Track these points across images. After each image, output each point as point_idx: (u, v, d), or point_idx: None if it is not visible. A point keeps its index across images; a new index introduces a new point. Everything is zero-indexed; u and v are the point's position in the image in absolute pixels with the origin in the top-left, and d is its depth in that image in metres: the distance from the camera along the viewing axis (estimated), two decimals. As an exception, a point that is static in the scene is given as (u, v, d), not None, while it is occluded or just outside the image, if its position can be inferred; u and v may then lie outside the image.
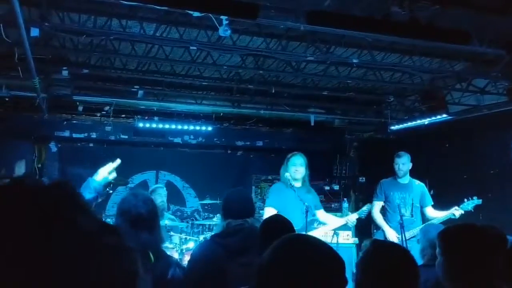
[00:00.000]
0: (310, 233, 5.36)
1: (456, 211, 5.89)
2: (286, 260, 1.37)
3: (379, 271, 2.32)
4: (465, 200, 5.93)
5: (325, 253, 1.39)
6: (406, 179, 6.32)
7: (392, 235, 6.13)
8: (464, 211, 5.90)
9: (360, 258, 2.37)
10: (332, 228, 5.71)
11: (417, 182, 6.38)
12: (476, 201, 5.92)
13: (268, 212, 5.30)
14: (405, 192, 6.26)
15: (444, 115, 7.58)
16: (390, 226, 6.22)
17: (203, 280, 3.06)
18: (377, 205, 6.35)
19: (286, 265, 1.36)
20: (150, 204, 2.79)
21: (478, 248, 2.44)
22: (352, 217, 5.71)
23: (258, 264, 1.42)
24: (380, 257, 2.38)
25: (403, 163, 6.23)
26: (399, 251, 2.48)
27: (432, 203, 6.29)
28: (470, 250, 2.43)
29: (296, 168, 5.42)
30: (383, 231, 6.30)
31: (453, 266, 2.46)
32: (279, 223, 3.21)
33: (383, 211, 6.40)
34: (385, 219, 6.34)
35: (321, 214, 5.73)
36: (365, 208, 5.88)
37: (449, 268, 2.48)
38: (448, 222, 6.05)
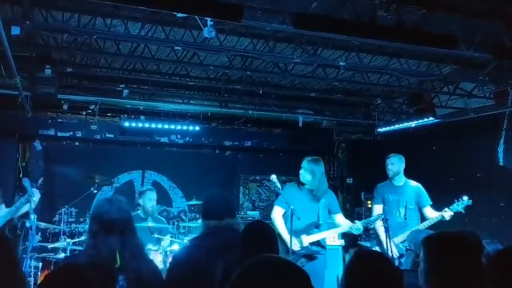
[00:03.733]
0: (310, 237, 5.29)
1: (446, 213, 5.73)
2: (253, 281, 1.35)
3: (361, 281, 2.31)
4: (455, 201, 5.78)
5: (294, 277, 1.37)
6: (400, 181, 6.17)
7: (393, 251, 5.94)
8: (454, 212, 5.75)
9: (344, 269, 2.36)
10: (335, 233, 5.61)
11: (413, 183, 6.21)
12: (466, 201, 5.76)
13: (275, 210, 5.52)
14: (399, 195, 6.11)
15: (431, 118, 7.59)
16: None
17: (188, 285, 3.03)
18: (377, 208, 6.18)
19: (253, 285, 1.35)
20: (124, 210, 2.86)
21: (459, 255, 2.43)
22: (358, 225, 5.50)
23: (231, 280, 1.41)
24: (361, 268, 2.36)
25: (392, 163, 6.12)
26: (379, 260, 2.46)
27: (431, 203, 6.09)
28: (451, 258, 2.43)
29: (301, 177, 5.51)
30: (377, 236, 6.11)
31: (432, 273, 2.46)
32: (260, 228, 3.18)
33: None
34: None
35: (339, 218, 5.64)
36: (372, 218, 5.65)
37: (429, 275, 2.47)
38: (438, 225, 6.01)
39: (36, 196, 4.51)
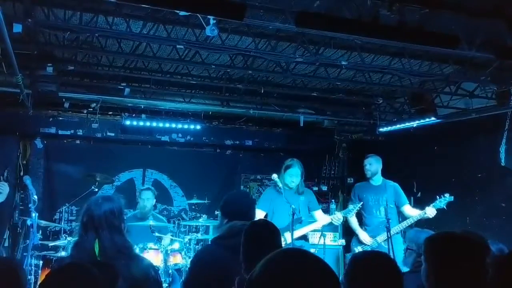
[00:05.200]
0: (295, 232, 5.38)
1: (429, 210, 5.88)
2: (277, 275, 1.29)
3: (363, 282, 2.29)
4: (437, 197, 5.91)
5: (320, 269, 1.32)
6: (378, 181, 6.40)
7: (365, 238, 6.23)
8: (437, 209, 5.88)
9: (344, 273, 2.35)
10: (316, 226, 5.73)
11: (390, 182, 6.43)
12: (448, 198, 5.88)
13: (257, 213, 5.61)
14: (378, 194, 6.33)
15: (433, 118, 7.58)
16: (367, 229, 6.29)
17: (211, 284, 3.02)
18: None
19: (277, 280, 1.28)
20: (102, 208, 2.85)
21: (461, 256, 2.42)
22: (338, 216, 5.80)
23: (248, 278, 1.34)
24: (361, 269, 2.35)
25: (370, 163, 6.38)
26: (379, 259, 2.45)
27: (408, 202, 6.34)
28: (453, 258, 2.42)
29: (292, 179, 5.67)
30: (356, 235, 6.36)
31: (435, 273, 2.45)
32: (263, 227, 3.17)
33: (359, 215, 6.43)
34: (363, 222, 6.39)
35: (318, 214, 5.76)
36: (351, 207, 5.95)
37: (432, 275, 2.46)
38: (439, 225, 6.08)
39: (4, 188, 4.53)
